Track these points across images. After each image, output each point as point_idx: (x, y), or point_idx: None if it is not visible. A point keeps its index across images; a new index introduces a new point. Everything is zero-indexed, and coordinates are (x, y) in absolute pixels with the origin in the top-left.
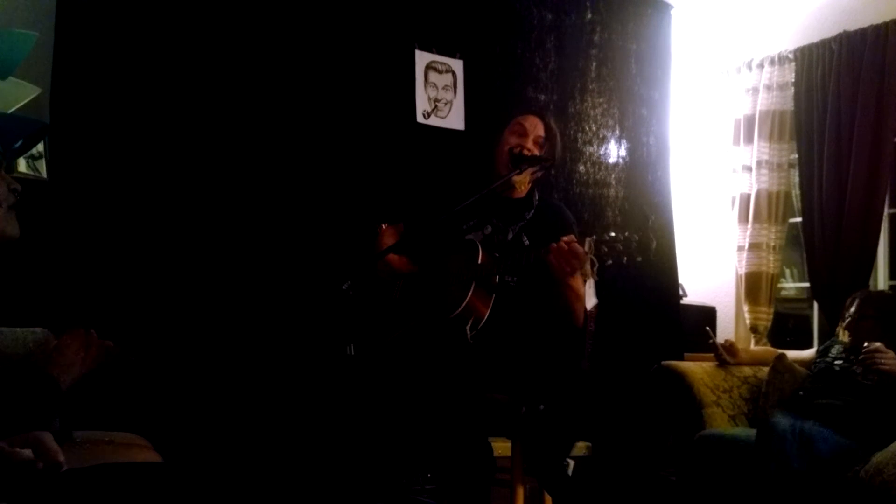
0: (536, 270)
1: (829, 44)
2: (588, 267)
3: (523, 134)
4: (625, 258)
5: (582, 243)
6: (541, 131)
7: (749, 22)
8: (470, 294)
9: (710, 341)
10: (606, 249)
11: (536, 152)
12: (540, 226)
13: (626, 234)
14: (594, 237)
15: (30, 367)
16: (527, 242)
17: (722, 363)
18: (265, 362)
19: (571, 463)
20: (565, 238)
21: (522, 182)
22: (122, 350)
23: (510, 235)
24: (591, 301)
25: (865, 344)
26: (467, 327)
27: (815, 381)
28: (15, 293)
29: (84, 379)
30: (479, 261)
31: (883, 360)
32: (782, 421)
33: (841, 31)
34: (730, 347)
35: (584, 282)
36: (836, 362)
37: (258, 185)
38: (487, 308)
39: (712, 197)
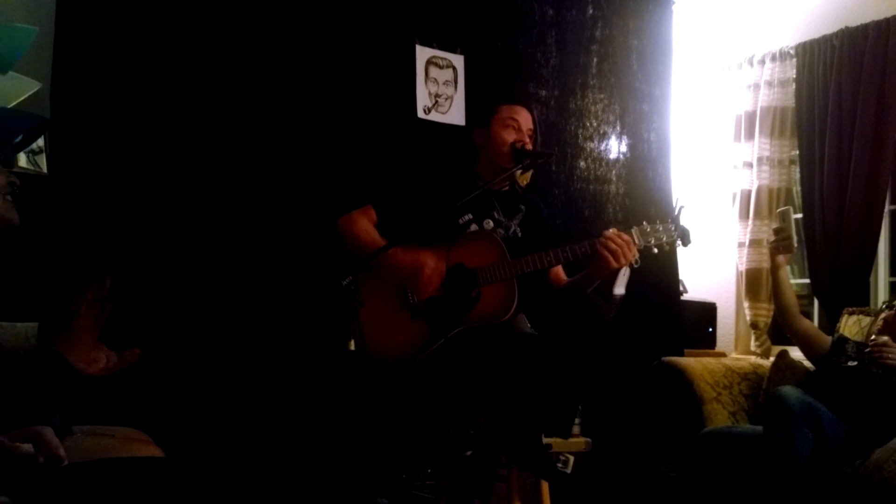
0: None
1: (831, 40)
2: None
3: (518, 128)
4: (667, 246)
5: (628, 233)
6: (530, 123)
7: (750, 18)
8: (517, 292)
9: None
10: (652, 240)
11: (529, 146)
12: (531, 219)
13: (666, 222)
14: (640, 227)
15: (39, 349)
16: (520, 235)
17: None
18: (266, 357)
19: (571, 458)
20: (612, 230)
21: (526, 177)
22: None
23: (512, 230)
24: (619, 289)
25: (872, 337)
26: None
27: (824, 378)
28: (15, 288)
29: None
30: (515, 258)
31: (889, 355)
32: (792, 392)
33: (842, 26)
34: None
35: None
36: (851, 363)
37: (259, 181)
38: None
39: (713, 193)
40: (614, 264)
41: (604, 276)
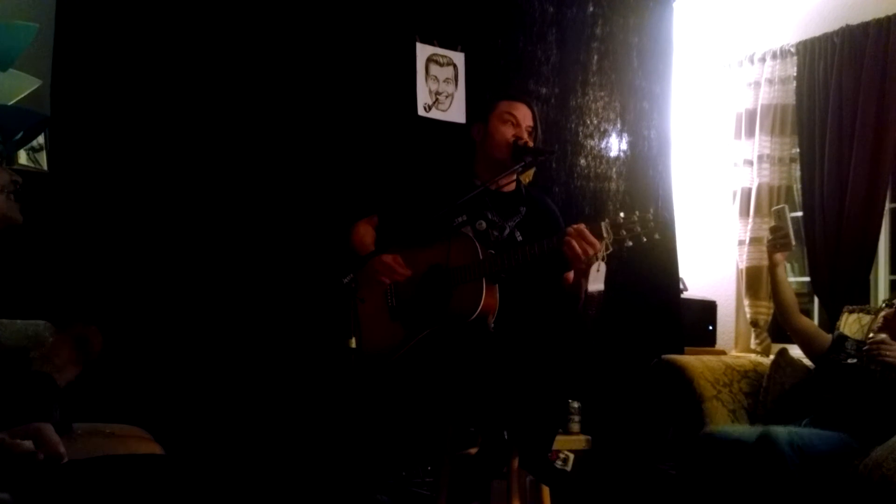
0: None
1: (832, 38)
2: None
3: (517, 124)
4: (644, 238)
5: (596, 228)
6: (530, 120)
7: (751, 15)
8: (484, 291)
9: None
10: (625, 232)
11: (530, 143)
12: (533, 221)
13: (639, 213)
14: (608, 220)
15: (26, 368)
16: (519, 238)
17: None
18: (266, 353)
19: (571, 456)
20: (577, 225)
21: (528, 175)
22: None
23: (507, 231)
24: (596, 285)
25: (870, 335)
26: (488, 320)
27: (823, 376)
28: (16, 285)
29: (83, 371)
30: (485, 256)
31: (888, 352)
32: (781, 434)
33: (843, 24)
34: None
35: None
36: (850, 360)
37: (260, 178)
38: (496, 300)
39: (713, 191)
40: (575, 259)
41: (581, 271)
